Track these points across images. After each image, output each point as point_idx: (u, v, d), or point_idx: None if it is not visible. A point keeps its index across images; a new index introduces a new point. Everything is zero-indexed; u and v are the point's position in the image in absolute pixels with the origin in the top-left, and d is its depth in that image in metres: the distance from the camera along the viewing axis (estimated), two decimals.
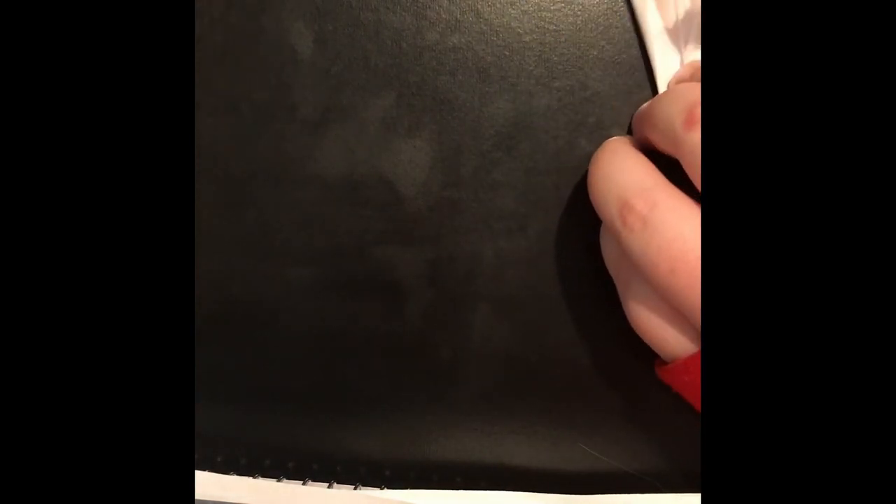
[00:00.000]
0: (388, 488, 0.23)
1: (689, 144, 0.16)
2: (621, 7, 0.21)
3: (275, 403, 0.23)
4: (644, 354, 0.22)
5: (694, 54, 0.20)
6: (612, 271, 0.20)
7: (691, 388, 0.17)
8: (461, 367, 0.22)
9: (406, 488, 0.22)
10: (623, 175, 0.17)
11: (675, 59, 0.20)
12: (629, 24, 0.21)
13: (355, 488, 0.23)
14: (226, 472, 0.23)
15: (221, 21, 0.21)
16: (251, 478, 0.22)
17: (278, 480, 0.23)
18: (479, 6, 0.21)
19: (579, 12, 0.21)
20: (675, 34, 0.20)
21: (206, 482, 0.22)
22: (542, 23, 0.21)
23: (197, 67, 0.21)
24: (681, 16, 0.19)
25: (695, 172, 0.16)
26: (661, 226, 0.16)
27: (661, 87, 0.20)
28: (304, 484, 0.23)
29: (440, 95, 0.21)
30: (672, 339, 0.18)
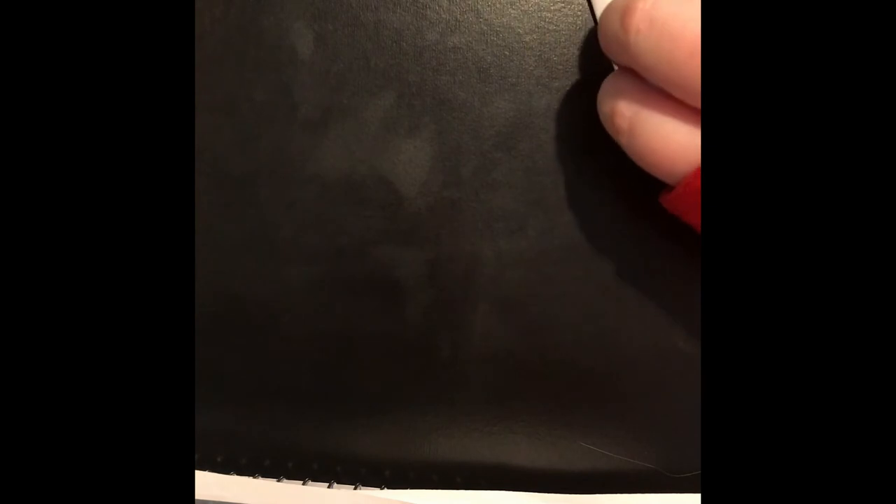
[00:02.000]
0: (388, 488, 0.23)
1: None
2: None
3: (275, 403, 0.23)
4: (644, 354, 0.22)
5: None
6: (615, 122, 0.18)
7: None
8: (461, 367, 0.22)
9: (406, 488, 0.22)
10: (615, 1, 0.17)
11: None
12: None
13: (355, 488, 0.23)
14: (226, 472, 0.23)
15: (221, 21, 0.21)
16: (251, 478, 0.22)
17: (278, 480, 0.23)
18: (479, 6, 0.21)
19: (579, 12, 0.21)
20: None
21: (206, 482, 0.22)
22: (542, 23, 0.21)
23: (197, 67, 0.21)
24: None
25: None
26: (669, 15, 0.16)
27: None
28: (304, 484, 0.23)
29: (440, 95, 0.21)
30: (695, 151, 0.17)
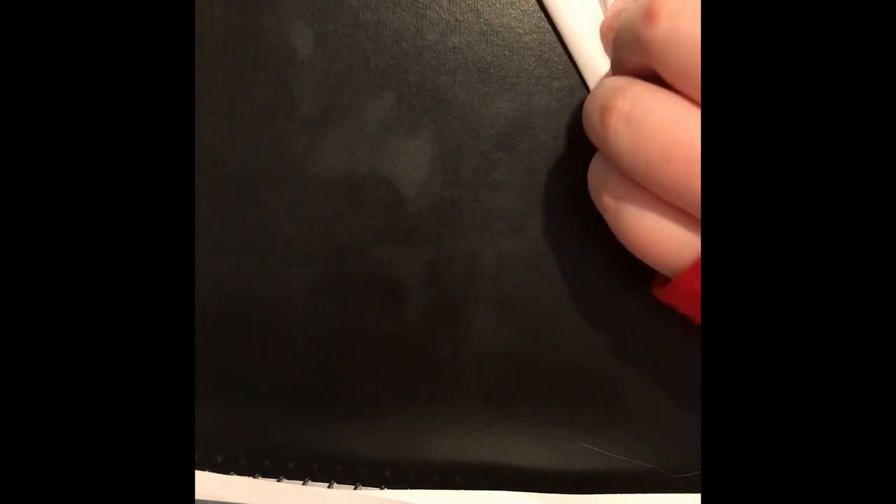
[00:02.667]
0: (388, 488, 0.23)
1: (655, 39, 0.15)
2: None
3: (275, 403, 0.23)
4: (643, 353, 0.22)
5: None
6: (601, 201, 0.18)
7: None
8: (461, 367, 0.22)
9: (406, 488, 0.22)
10: (599, 87, 0.17)
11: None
12: None
13: (355, 488, 0.23)
14: (226, 472, 0.23)
15: (221, 21, 0.21)
16: (251, 478, 0.22)
17: (278, 480, 0.23)
18: (479, 6, 0.21)
19: None
20: None
21: (206, 482, 0.22)
22: (542, 23, 0.21)
23: (197, 67, 0.21)
24: None
25: (664, 68, 0.16)
26: (645, 117, 0.16)
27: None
28: (304, 484, 0.23)
29: (440, 95, 0.21)
30: (676, 245, 0.17)
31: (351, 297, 0.22)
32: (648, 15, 0.15)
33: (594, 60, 0.20)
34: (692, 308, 0.18)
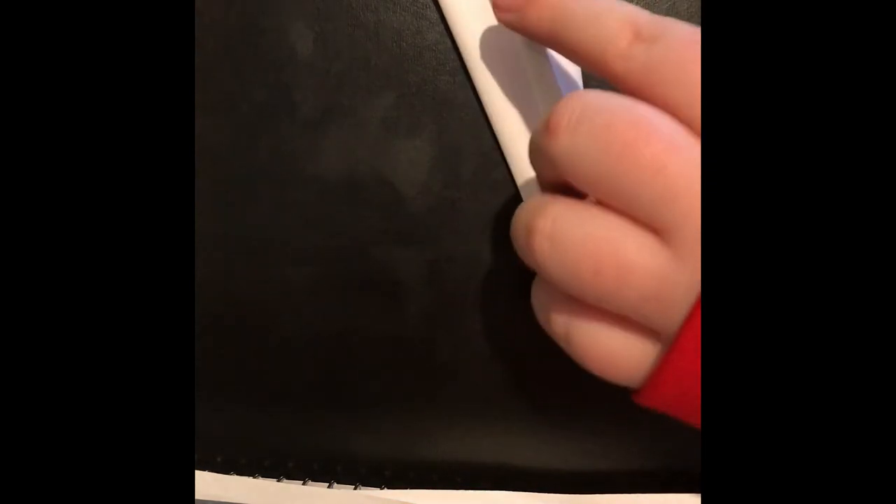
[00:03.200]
0: (388, 488, 0.23)
1: (558, 154, 0.15)
2: None
3: (275, 403, 0.23)
4: None
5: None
6: (550, 326, 0.18)
7: (680, 399, 0.16)
8: (461, 367, 0.22)
9: (406, 488, 0.22)
10: (521, 210, 0.17)
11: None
12: None
13: (355, 488, 0.23)
14: (226, 472, 0.23)
15: (221, 21, 0.21)
16: (251, 478, 0.22)
17: (278, 480, 0.23)
18: None
19: None
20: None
21: (206, 482, 0.22)
22: None
23: (197, 67, 0.21)
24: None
25: (574, 179, 0.16)
26: (567, 234, 0.16)
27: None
28: (304, 484, 0.23)
29: (440, 95, 0.21)
30: (637, 357, 0.17)
31: (351, 297, 0.22)
32: (548, 131, 0.16)
33: (527, 173, 0.20)
34: (671, 411, 0.17)
